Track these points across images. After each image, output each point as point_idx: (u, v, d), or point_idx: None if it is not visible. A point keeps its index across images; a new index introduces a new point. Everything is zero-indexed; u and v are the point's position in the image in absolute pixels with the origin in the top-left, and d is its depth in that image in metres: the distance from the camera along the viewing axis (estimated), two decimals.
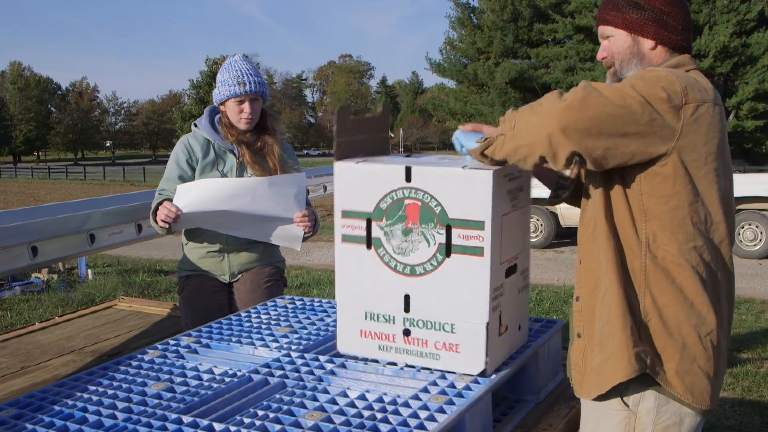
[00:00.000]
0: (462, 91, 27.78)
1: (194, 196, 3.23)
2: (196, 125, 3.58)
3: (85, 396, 2.16)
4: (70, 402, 2.12)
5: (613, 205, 2.01)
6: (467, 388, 2.07)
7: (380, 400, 2.01)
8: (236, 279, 3.56)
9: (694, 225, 1.95)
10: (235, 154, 3.52)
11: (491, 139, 2.00)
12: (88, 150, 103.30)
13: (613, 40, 2.13)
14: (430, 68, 28.82)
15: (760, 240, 11.92)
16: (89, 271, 10.61)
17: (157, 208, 3.30)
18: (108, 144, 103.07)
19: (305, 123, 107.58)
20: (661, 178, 1.92)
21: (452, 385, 2.09)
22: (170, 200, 3.28)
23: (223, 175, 3.48)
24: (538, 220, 13.43)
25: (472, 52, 27.91)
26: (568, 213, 12.95)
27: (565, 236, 13.89)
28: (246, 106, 3.45)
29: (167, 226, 3.28)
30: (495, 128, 2.05)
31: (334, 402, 2.02)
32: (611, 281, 1.97)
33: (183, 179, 3.43)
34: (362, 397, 2.03)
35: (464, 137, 2.20)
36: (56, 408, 2.08)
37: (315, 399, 2.04)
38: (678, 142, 1.89)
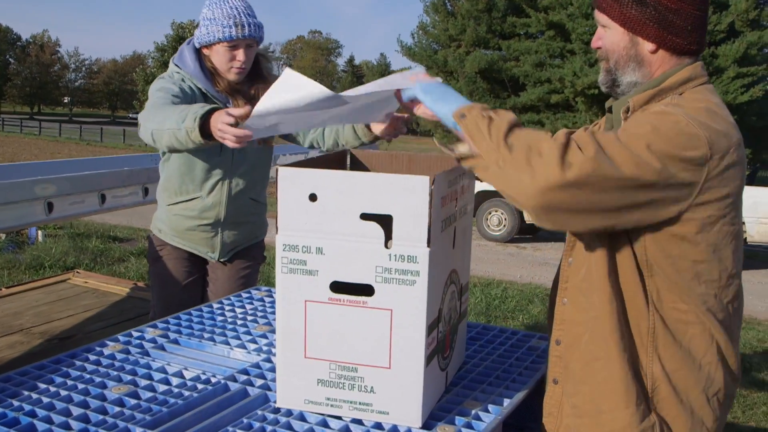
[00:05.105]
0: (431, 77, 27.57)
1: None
2: (178, 66, 2.95)
3: (34, 396, 1.87)
4: (15, 403, 1.82)
5: (617, 257, 1.72)
6: (477, 417, 1.82)
7: (379, 426, 1.75)
8: (224, 261, 3.17)
9: (706, 284, 1.69)
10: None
11: (472, 155, 1.66)
12: (46, 105, 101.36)
13: (609, 34, 1.80)
14: (401, 51, 28.56)
15: None
16: (39, 232, 10.17)
17: (206, 118, 2.36)
18: (66, 100, 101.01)
19: None
20: (669, 236, 1.65)
21: (461, 413, 1.83)
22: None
23: None
24: (502, 214, 13.27)
25: (444, 39, 27.73)
26: None
27: (527, 232, 13.74)
28: (240, 53, 2.88)
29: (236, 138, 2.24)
30: (480, 120, 1.65)
31: (325, 425, 1.76)
32: (612, 348, 1.71)
33: None
34: (359, 422, 1.77)
35: (436, 103, 1.79)
36: None
37: (303, 419, 1.78)
38: (694, 200, 1.61)
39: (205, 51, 2.95)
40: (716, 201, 1.63)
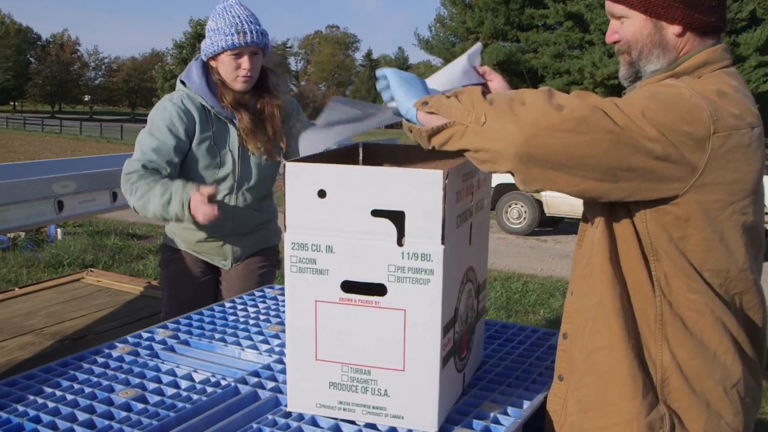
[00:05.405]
0: None
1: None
2: (184, 83, 2.95)
3: (39, 401, 1.82)
4: (20, 408, 1.77)
5: (618, 240, 1.63)
6: (495, 420, 1.75)
7: (394, 431, 1.68)
8: (238, 264, 3.15)
9: (710, 273, 1.59)
10: (235, 125, 2.95)
11: (446, 125, 1.55)
12: (66, 103, 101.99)
13: (628, 24, 1.69)
14: (418, 44, 28.60)
15: None
16: (58, 230, 10.18)
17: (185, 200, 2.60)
18: (86, 98, 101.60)
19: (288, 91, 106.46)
20: (672, 218, 1.55)
21: (479, 416, 1.76)
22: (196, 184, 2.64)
23: (225, 153, 2.94)
24: (522, 206, 13.15)
25: (461, 31, 27.68)
26: (552, 201, 12.67)
27: (548, 224, 13.62)
28: (245, 60, 2.86)
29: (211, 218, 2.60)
30: (447, 100, 1.58)
31: (338, 430, 1.70)
32: (616, 336, 1.63)
33: (180, 151, 2.85)
34: (372, 426, 1.70)
35: (401, 87, 1.68)
36: (3, 415, 1.73)
37: (315, 424, 1.71)
38: (697, 180, 1.51)
39: (212, 63, 2.95)
40: (723, 184, 1.54)
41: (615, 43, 1.76)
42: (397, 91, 1.68)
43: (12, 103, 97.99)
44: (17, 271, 7.86)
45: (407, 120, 1.66)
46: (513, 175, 1.51)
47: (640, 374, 1.62)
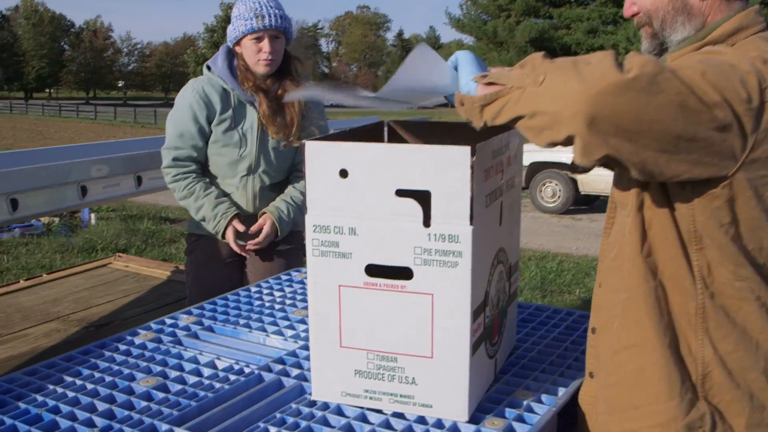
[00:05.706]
0: (480, 48, 27.33)
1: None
2: (209, 67, 3.05)
3: (59, 390, 1.77)
4: (39, 398, 1.73)
5: (654, 230, 1.52)
6: (529, 409, 1.67)
7: (423, 420, 1.61)
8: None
9: (756, 253, 1.48)
10: (256, 108, 3.01)
11: (501, 92, 1.42)
12: (100, 90, 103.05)
13: None
14: (449, 23, 28.41)
15: None
16: (92, 215, 10.24)
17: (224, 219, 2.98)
18: (120, 84, 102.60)
19: (319, 73, 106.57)
20: (722, 202, 1.43)
21: (512, 404, 1.68)
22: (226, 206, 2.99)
23: (243, 134, 2.99)
24: (556, 185, 12.99)
25: (493, 9, 27.46)
26: (587, 178, 12.47)
27: (583, 203, 13.44)
28: (265, 44, 2.94)
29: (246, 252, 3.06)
30: (508, 71, 1.46)
31: (364, 419, 1.63)
32: (649, 334, 1.52)
33: (203, 135, 2.99)
34: (400, 416, 1.63)
35: (469, 64, 1.60)
36: (21, 405, 1.69)
37: (341, 413, 1.65)
38: (748, 156, 1.39)
39: (237, 49, 3.04)
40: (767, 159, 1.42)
41: (634, 15, 1.64)
42: (463, 67, 1.60)
43: (47, 90, 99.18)
44: (51, 256, 7.91)
45: (467, 91, 1.56)
46: (573, 143, 1.34)
47: (677, 373, 1.52)
